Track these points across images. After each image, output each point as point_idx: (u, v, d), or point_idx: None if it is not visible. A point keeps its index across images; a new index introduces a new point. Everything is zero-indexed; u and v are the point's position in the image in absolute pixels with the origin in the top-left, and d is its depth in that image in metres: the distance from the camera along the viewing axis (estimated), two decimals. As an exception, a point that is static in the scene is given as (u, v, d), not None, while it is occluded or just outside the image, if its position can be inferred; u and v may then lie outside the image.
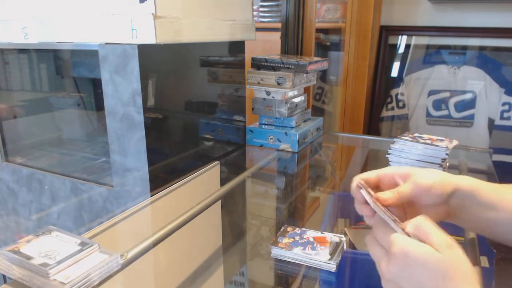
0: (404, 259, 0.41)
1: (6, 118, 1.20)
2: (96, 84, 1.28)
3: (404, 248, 0.42)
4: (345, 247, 0.66)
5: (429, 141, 0.97)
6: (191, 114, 0.99)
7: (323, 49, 2.06)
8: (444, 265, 0.40)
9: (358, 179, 0.52)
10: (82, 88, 1.31)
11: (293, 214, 1.01)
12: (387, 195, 0.50)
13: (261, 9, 1.95)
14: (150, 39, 0.74)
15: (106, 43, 0.80)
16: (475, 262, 0.61)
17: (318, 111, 2.13)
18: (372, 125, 2.18)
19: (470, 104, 1.98)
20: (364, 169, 0.71)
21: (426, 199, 0.52)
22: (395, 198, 0.50)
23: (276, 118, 1.20)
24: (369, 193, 0.50)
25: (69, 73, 1.28)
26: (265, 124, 1.22)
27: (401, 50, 2.10)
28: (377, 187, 0.54)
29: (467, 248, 0.66)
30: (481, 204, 0.53)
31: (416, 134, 1.03)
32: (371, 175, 0.54)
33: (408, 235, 0.44)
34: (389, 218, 0.46)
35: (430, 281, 0.40)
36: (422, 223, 0.44)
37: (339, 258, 0.63)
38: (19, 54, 1.24)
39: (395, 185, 0.53)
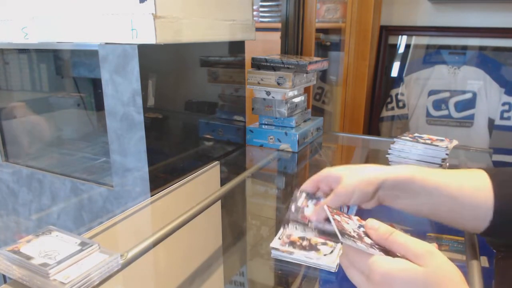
0: (389, 283, 0.40)
1: (14, 117, 1.20)
2: (96, 84, 1.28)
3: (385, 273, 0.40)
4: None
5: (429, 141, 0.97)
6: (191, 114, 0.99)
7: (323, 49, 2.06)
8: (430, 277, 0.39)
9: (304, 194, 0.62)
10: (82, 88, 1.31)
11: (293, 214, 1.01)
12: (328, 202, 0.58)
13: (261, 9, 1.95)
14: (150, 39, 0.74)
15: (106, 43, 0.80)
16: (475, 261, 0.61)
17: (318, 111, 2.13)
18: (372, 125, 2.18)
19: (470, 104, 1.98)
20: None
21: (354, 201, 0.58)
22: (332, 203, 0.58)
23: (276, 118, 1.20)
24: (334, 219, 0.49)
25: (69, 73, 1.28)
26: (265, 124, 1.22)
27: (401, 50, 2.10)
28: (318, 189, 0.63)
29: (467, 248, 0.66)
30: (417, 190, 0.56)
31: (416, 134, 1.03)
32: (310, 184, 0.64)
33: (385, 249, 0.43)
34: (361, 245, 0.44)
35: None
36: (396, 237, 0.44)
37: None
38: (19, 54, 1.24)
39: (330, 189, 0.61)
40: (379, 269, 0.41)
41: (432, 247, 0.41)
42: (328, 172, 0.62)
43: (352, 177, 0.59)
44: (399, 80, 2.10)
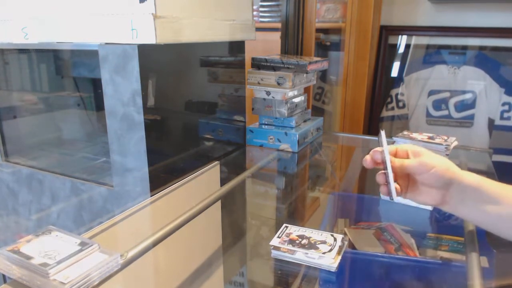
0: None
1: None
2: (96, 84, 1.28)
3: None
4: (345, 247, 0.66)
5: (429, 141, 0.97)
6: (191, 114, 0.99)
7: (323, 49, 2.06)
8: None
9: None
10: (82, 88, 1.31)
11: (293, 214, 1.01)
12: (393, 160, 0.61)
13: (261, 9, 1.95)
14: (150, 39, 0.74)
15: (106, 43, 0.80)
16: (475, 262, 0.61)
17: (318, 111, 2.13)
18: (372, 125, 2.18)
19: (470, 104, 1.98)
20: (364, 169, 0.71)
21: (426, 178, 0.58)
22: (398, 164, 0.60)
23: (276, 118, 1.20)
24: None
25: (69, 73, 1.28)
26: (265, 124, 1.22)
27: (401, 50, 2.10)
28: (394, 156, 0.63)
29: (467, 248, 0.66)
30: (485, 199, 0.56)
31: (416, 134, 1.03)
32: (391, 148, 0.63)
33: None
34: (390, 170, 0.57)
35: None
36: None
37: (339, 258, 0.63)
38: (19, 54, 1.24)
39: (407, 157, 0.62)
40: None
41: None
42: (412, 145, 0.63)
43: (435, 157, 0.60)
44: (399, 80, 2.10)
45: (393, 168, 0.60)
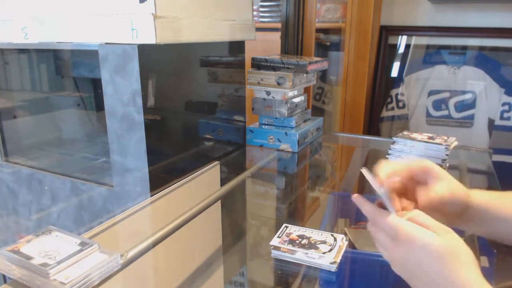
0: (411, 243, 0.44)
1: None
2: (96, 84, 1.28)
3: (410, 233, 0.44)
4: (345, 247, 0.66)
5: (429, 141, 0.97)
6: (191, 114, 0.99)
7: (323, 49, 2.06)
8: (446, 248, 0.43)
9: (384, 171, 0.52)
10: (82, 88, 1.31)
11: (293, 214, 1.01)
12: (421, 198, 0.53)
13: (261, 9, 1.95)
14: (150, 39, 0.74)
15: (106, 43, 0.80)
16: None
17: (318, 111, 2.13)
18: (372, 125, 2.18)
19: (470, 104, 1.98)
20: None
21: (445, 209, 0.53)
22: (426, 198, 0.52)
23: (276, 118, 1.20)
24: (374, 177, 0.51)
25: (69, 73, 1.28)
26: (265, 124, 1.22)
27: (401, 50, 2.10)
28: (409, 178, 0.54)
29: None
30: (495, 219, 0.55)
31: (416, 134, 1.03)
32: (405, 172, 0.54)
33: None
34: (390, 204, 0.48)
35: (433, 263, 0.42)
36: (419, 214, 0.47)
37: (339, 258, 0.63)
38: (19, 54, 1.24)
39: (425, 182, 0.54)
40: (404, 228, 0.45)
41: (449, 229, 0.45)
42: (430, 165, 0.54)
43: (454, 183, 0.53)
44: (399, 80, 2.10)
45: (421, 202, 0.52)
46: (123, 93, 0.80)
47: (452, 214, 0.54)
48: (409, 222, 0.46)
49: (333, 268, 0.62)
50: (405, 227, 0.45)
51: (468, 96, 1.98)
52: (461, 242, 0.44)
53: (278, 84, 1.15)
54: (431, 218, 0.46)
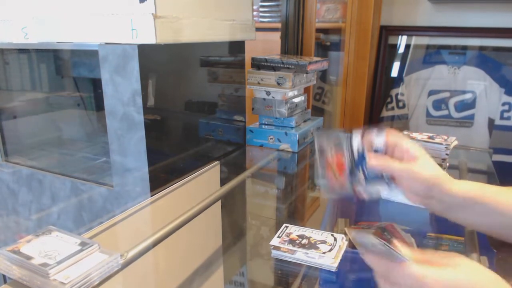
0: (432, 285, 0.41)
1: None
2: (96, 84, 1.28)
3: (439, 279, 0.41)
4: (345, 247, 0.66)
5: (429, 141, 0.97)
6: (191, 114, 0.99)
7: (323, 49, 2.06)
8: (468, 278, 0.41)
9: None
10: (82, 88, 1.31)
11: (293, 214, 1.01)
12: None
13: (261, 9, 1.95)
14: (150, 39, 0.74)
15: (106, 43, 0.80)
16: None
17: (318, 111, 2.13)
18: (372, 125, 2.18)
19: (470, 104, 1.97)
20: (364, 169, 0.71)
21: (415, 187, 0.55)
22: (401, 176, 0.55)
23: (276, 118, 1.20)
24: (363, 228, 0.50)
25: (69, 73, 1.28)
26: (265, 124, 1.22)
27: (401, 50, 2.10)
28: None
29: (467, 248, 0.66)
30: (489, 209, 0.54)
31: (416, 134, 1.03)
32: (380, 140, 0.58)
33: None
34: (392, 250, 0.44)
35: None
36: (425, 254, 0.44)
37: (339, 258, 0.63)
38: (19, 54, 1.24)
39: (399, 159, 0.56)
40: (416, 272, 0.42)
41: (458, 255, 0.43)
42: (407, 144, 0.56)
43: (430, 165, 0.55)
44: (399, 80, 2.10)
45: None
46: (123, 93, 0.80)
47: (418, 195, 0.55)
48: (430, 267, 0.42)
49: (333, 268, 0.62)
50: (430, 274, 0.41)
51: (468, 96, 1.98)
52: (480, 266, 0.43)
53: (278, 84, 1.15)
54: (436, 252, 0.44)
